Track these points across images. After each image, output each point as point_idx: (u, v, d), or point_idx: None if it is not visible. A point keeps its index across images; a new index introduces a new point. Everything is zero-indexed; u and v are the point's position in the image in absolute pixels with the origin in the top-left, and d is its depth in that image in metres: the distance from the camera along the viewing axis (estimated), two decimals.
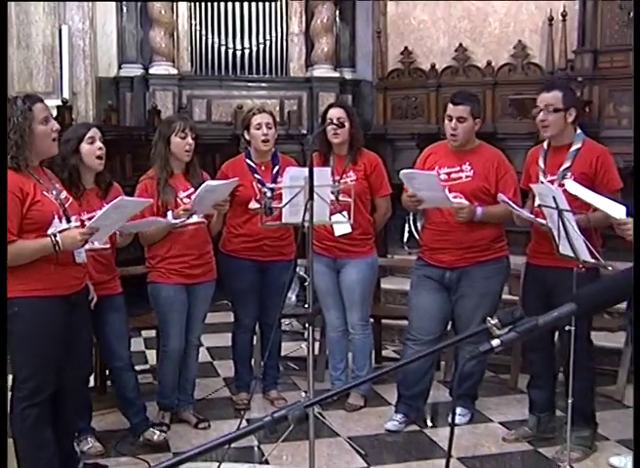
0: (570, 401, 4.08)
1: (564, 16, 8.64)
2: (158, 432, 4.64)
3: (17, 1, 9.62)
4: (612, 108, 8.15)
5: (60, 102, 8.03)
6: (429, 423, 5.06)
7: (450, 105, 4.90)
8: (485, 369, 5.31)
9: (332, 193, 4.63)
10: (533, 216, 4.52)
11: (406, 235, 8.04)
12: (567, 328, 4.09)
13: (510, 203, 4.39)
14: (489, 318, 1.55)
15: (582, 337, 4.38)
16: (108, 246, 4.45)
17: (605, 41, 8.45)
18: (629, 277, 1.66)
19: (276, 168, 5.20)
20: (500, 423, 5.16)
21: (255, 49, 10.44)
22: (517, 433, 4.91)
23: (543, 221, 4.38)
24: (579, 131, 4.64)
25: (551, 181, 4.49)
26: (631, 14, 8.22)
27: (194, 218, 4.69)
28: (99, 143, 4.34)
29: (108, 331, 4.52)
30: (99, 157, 4.34)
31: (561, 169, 4.54)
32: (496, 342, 1.52)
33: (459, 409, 5.15)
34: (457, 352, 5.26)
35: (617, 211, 3.97)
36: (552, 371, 4.82)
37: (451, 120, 4.84)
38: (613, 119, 8.08)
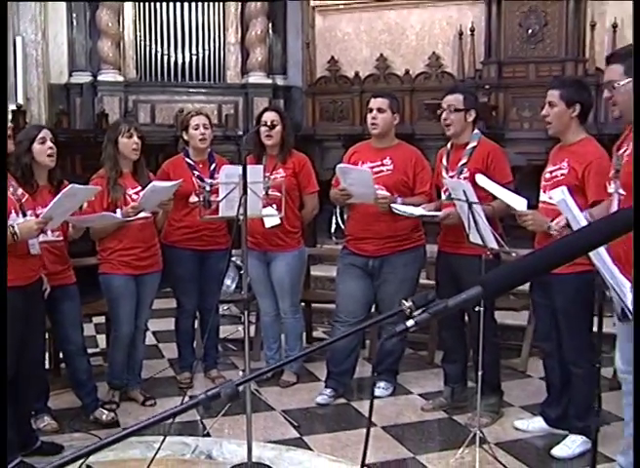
0: (479, 373, 4.12)
1: (472, 31, 8.75)
2: (107, 412, 4.61)
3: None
4: (515, 113, 8.27)
5: (14, 107, 7.88)
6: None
7: (371, 99, 4.94)
8: (405, 346, 5.36)
9: (263, 188, 4.62)
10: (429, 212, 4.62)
11: (333, 226, 8.05)
12: (477, 308, 4.13)
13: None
14: (404, 301, 1.54)
15: (488, 317, 4.43)
16: (61, 238, 4.40)
17: (508, 54, 8.58)
18: (530, 262, 1.68)
19: (213, 165, 5.19)
20: (419, 395, 5.21)
21: (195, 58, 10.37)
22: (434, 403, 4.96)
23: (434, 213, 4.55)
24: (476, 131, 4.71)
25: (452, 177, 4.54)
26: (530, 30, 8.37)
27: (141, 214, 4.65)
28: (49, 143, 4.27)
29: (63, 318, 4.47)
30: (49, 155, 4.26)
31: (459, 165, 4.60)
32: (410, 323, 1.52)
33: (382, 383, 5.20)
34: (380, 332, 5.29)
35: (519, 203, 4.02)
36: (463, 347, 4.88)
37: (371, 111, 4.87)
38: (516, 122, 8.20)
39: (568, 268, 3.77)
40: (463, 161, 4.61)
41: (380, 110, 4.85)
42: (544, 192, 4.14)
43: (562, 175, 4.07)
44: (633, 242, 1.51)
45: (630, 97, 3.39)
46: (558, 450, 4.24)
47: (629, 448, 3.78)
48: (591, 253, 2.65)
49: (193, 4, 10.28)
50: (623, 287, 2.70)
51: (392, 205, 4.68)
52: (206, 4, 10.31)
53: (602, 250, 2.68)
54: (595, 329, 3.72)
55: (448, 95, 4.72)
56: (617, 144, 3.59)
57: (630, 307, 2.68)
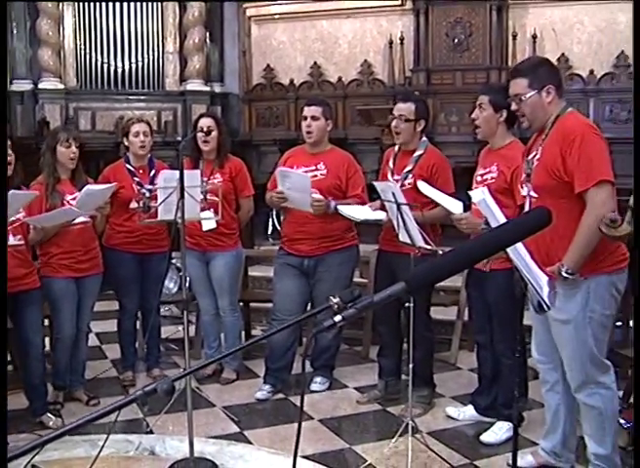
0: (411, 366, 4.17)
1: (402, 40, 8.85)
2: (54, 418, 4.53)
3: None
4: (443, 118, 8.38)
5: None
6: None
7: (305, 108, 4.95)
8: (340, 342, 5.39)
9: (201, 193, 4.61)
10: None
11: (270, 228, 8.06)
12: (407, 304, 4.19)
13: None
14: (331, 297, 1.56)
15: (422, 312, 4.50)
16: (23, 242, 4.32)
17: (435, 62, 8.69)
18: (450, 259, 1.72)
19: (152, 171, 5.15)
20: (355, 388, 5.25)
21: (134, 66, 10.26)
22: (369, 396, 5.01)
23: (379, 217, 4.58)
24: (424, 139, 4.75)
25: (397, 180, 4.58)
26: (456, 40, 8.50)
27: (80, 218, 4.60)
28: None
29: (25, 322, 4.38)
30: None
31: (404, 170, 4.64)
32: (338, 318, 1.54)
33: (318, 378, 5.23)
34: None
35: (455, 207, 4.08)
36: (399, 342, 4.93)
37: (306, 119, 4.89)
38: (444, 127, 8.31)
39: (500, 264, 3.88)
40: (409, 168, 4.64)
41: (314, 118, 4.87)
42: None
43: (492, 178, 4.15)
44: (634, 245, 1.55)
45: (535, 107, 3.50)
46: (487, 437, 4.32)
47: (551, 433, 3.90)
48: (509, 250, 2.72)
49: (132, 14, 10.19)
50: (540, 280, 2.78)
51: (338, 207, 4.71)
52: (145, 14, 10.22)
53: (520, 246, 2.74)
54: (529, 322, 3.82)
55: (400, 103, 4.72)
56: (525, 150, 3.69)
57: (547, 300, 2.75)
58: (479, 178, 4.24)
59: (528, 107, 3.51)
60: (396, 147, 4.78)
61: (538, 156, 3.48)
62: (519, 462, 3.88)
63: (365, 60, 9.23)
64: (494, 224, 3.00)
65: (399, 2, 9.09)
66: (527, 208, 3.55)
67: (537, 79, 3.48)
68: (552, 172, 3.38)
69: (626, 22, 8.51)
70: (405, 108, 4.64)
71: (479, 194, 3.32)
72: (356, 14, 9.39)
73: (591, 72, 8.38)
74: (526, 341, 4.40)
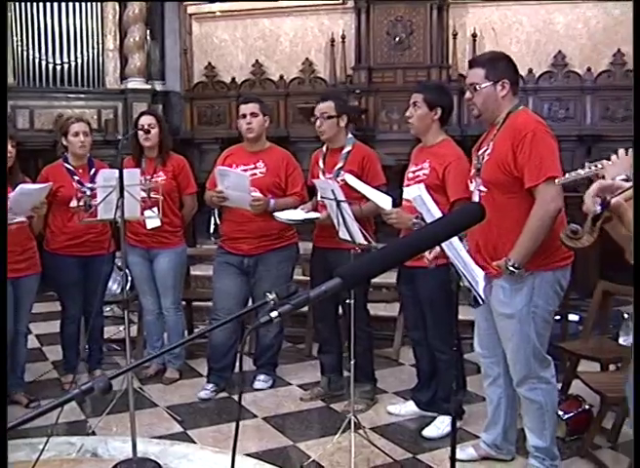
0: (352, 362, 4.21)
1: (343, 38, 8.88)
2: None
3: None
4: (384, 116, 8.43)
5: None
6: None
7: (242, 106, 4.97)
8: (283, 340, 5.42)
9: (143, 191, 4.59)
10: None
11: (212, 227, 8.03)
12: (347, 301, 4.23)
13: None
14: (267, 293, 1.58)
15: (360, 308, 4.54)
16: None
17: (377, 60, 8.73)
18: (385, 254, 1.74)
19: (93, 170, 5.09)
20: (298, 385, 5.29)
21: (73, 63, 10.08)
22: (312, 393, 5.05)
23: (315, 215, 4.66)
24: (350, 135, 4.82)
25: (329, 179, 4.62)
26: (397, 38, 8.56)
27: (17, 219, 4.52)
28: None
29: None
30: None
31: (335, 168, 4.69)
32: (274, 314, 1.55)
33: (262, 376, 5.26)
34: (257, 330, 5.31)
35: (384, 202, 4.13)
36: (338, 338, 4.97)
37: (245, 117, 4.90)
38: (386, 124, 8.36)
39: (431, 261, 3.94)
40: (340, 165, 4.70)
41: (253, 114, 4.90)
42: None
43: (424, 174, 4.21)
44: (633, 242, 1.58)
45: (488, 98, 3.57)
46: (428, 431, 4.39)
47: (492, 426, 3.98)
48: (444, 245, 2.77)
49: (71, 11, 10.02)
50: (476, 275, 2.83)
51: (275, 214, 4.73)
52: (84, 11, 10.07)
53: (455, 240, 2.79)
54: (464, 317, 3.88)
55: (320, 103, 4.80)
56: (477, 145, 3.76)
57: (482, 294, 2.81)
58: (411, 175, 4.31)
59: (481, 97, 3.59)
60: (324, 148, 4.84)
61: (488, 151, 3.55)
62: (461, 455, 3.98)
63: (307, 59, 9.23)
64: (429, 220, 3.05)
65: (340, 0, 9.11)
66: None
67: (493, 71, 3.56)
68: (503, 166, 3.45)
69: (563, 23, 8.68)
70: (325, 106, 4.72)
71: (415, 190, 3.37)
72: (298, 12, 9.39)
73: (530, 71, 8.51)
74: (461, 336, 4.49)
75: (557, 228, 3.31)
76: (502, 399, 3.88)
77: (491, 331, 3.76)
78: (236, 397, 5.05)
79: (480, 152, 3.64)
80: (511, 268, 3.39)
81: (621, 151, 2.37)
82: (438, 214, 3.03)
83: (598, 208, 1.62)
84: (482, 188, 3.57)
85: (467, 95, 3.69)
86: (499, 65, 3.60)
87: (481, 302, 2.89)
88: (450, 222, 1.85)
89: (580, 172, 2.39)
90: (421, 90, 4.34)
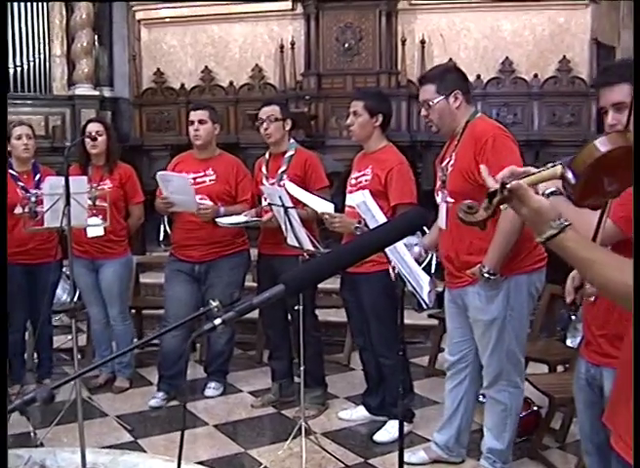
0: (302, 368, 4.23)
1: (292, 44, 8.89)
2: None
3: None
4: (334, 122, 8.45)
5: None
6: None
7: (191, 112, 4.98)
8: (234, 347, 5.41)
9: (89, 199, 4.56)
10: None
11: (162, 234, 7.99)
12: (296, 307, 4.25)
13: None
14: (211, 301, 1.59)
15: (308, 313, 4.57)
16: None
17: (326, 66, 8.77)
18: (328, 260, 1.77)
19: (37, 175, 5.05)
20: (249, 392, 5.30)
21: (19, 69, 9.94)
22: (263, 399, 5.06)
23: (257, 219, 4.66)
24: (292, 140, 4.85)
25: (272, 184, 4.65)
26: (346, 45, 8.63)
27: None
28: None
29: None
30: None
31: (279, 172, 4.72)
32: (218, 321, 1.56)
33: (212, 384, 5.25)
34: (209, 337, 5.31)
35: (325, 207, 4.17)
36: (288, 344, 4.99)
37: (193, 123, 4.91)
38: (335, 130, 8.37)
39: (374, 267, 3.98)
40: (283, 168, 4.73)
41: (201, 122, 4.90)
42: None
43: (366, 180, 4.26)
44: (634, 243, 1.62)
45: (443, 113, 3.63)
46: (379, 436, 4.43)
47: (446, 427, 4.03)
48: (388, 250, 2.80)
49: (16, 14, 9.89)
50: (421, 280, 2.87)
51: (217, 220, 4.74)
52: (30, 15, 9.94)
53: (400, 246, 2.83)
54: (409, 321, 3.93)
55: (265, 106, 4.83)
56: (439, 157, 3.81)
57: (426, 299, 2.85)
58: (353, 181, 4.36)
59: (436, 113, 3.64)
60: (267, 154, 4.87)
61: (452, 162, 3.60)
62: (412, 458, 4.04)
63: (256, 65, 9.22)
64: (373, 226, 3.08)
65: (290, 7, 9.14)
66: (443, 214, 3.67)
67: (444, 85, 3.62)
68: (467, 176, 3.49)
69: (510, 30, 8.83)
70: (270, 109, 4.77)
71: (359, 197, 3.41)
72: (247, 18, 9.39)
73: (478, 77, 8.63)
74: (407, 341, 4.54)
75: (528, 231, 3.37)
76: (462, 402, 3.94)
77: (465, 338, 3.82)
78: (188, 405, 5.03)
79: (443, 164, 3.69)
80: (486, 275, 3.45)
81: None
82: (383, 220, 3.06)
83: (496, 185, 1.68)
84: (449, 199, 3.62)
85: (423, 112, 3.75)
86: (448, 78, 3.66)
87: (425, 307, 2.93)
88: (394, 227, 1.88)
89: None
90: (361, 97, 4.38)
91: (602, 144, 1.62)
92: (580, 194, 1.67)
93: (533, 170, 1.73)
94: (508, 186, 1.68)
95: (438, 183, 3.73)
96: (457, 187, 3.55)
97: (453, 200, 3.58)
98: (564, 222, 1.66)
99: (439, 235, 3.77)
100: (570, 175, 1.63)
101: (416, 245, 3.68)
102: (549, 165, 1.75)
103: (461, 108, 3.63)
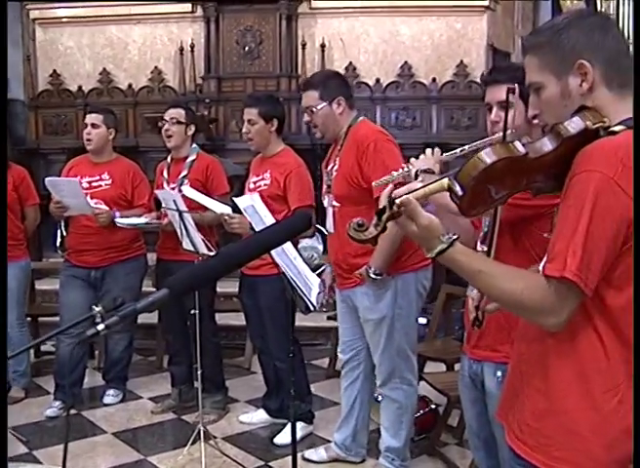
0: (200, 372, 4.23)
1: (192, 47, 8.86)
2: None
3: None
4: (234, 125, 8.44)
5: None
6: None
7: (87, 115, 4.93)
8: (132, 353, 5.36)
9: None
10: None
11: (58, 240, 7.82)
12: (192, 311, 4.25)
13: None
14: (94, 306, 1.60)
15: (207, 318, 4.59)
16: None
17: (226, 70, 8.78)
18: (212, 263, 1.80)
19: None
20: (149, 398, 5.26)
21: None
22: (163, 405, 5.04)
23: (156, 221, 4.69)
24: (194, 145, 4.85)
25: (173, 188, 4.64)
26: (246, 48, 8.65)
27: None
28: None
29: None
30: None
31: (179, 177, 4.71)
32: (101, 326, 1.57)
33: (111, 391, 5.20)
34: (107, 341, 5.26)
35: (223, 209, 4.20)
36: (187, 349, 4.97)
37: (86, 127, 4.85)
38: (236, 134, 8.34)
39: (272, 269, 4.01)
40: (184, 173, 4.72)
41: (94, 126, 4.86)
42: None
43: (265, 184, 4.30)
44: (633, 245, 1.66)
45: (327, 119, 3.70)
46: (280, 438, 4.47)
47: (344, 426, 4.11)
48: (274, 253, 2.85)
49: None
50: (310, 283, 2.93)
51: (116, 220, 4.70)
52: None
53: (288, 248, 2.88)
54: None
55: (171, 108, 4.82)
56: (325, 162, 3.88)
57: (313, 301, 2.91)
58: (252, 186, 4.39)
59: (319, 118, 3.71)
60: (168, 158, 4.87)
61: (336, 167, 3.67)
62: (312, 456, 4.13)
63: (156, 67, 9.14)
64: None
65: (190, 9, 9.10)
66: (330, 217, 3.74)
67: (327, 91, 3.69)
68: (351, 180, 3.57)
69: (409, 34, 9.01)
70: (175, 112, 4.76)
71: (247, 200, 3.45)
72: (146, 20, 9.28)
73: (377, 81, 8.77)
74: (303, 343, 4.60)
75: None
76: (357, 401, 4.02)
77: (356, 337, 3.88)
78: (86, 413, 4.97)
79: (328, 168, 3.76)
80: (373, 275, 3.52)
81: (429, 150, 2.64)
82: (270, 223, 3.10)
83: (385, 202, 1.72)
84: (335, 203, 3.69)
85: (306, 118, 3.82)
86: (331, 84, 3.75)
87: (312, 309, 2.98)
88: (279, 230, 1.93)
89: (394, 173, 2.55)
90: (254, 104, 4.40)
91: (487, 156, 1.67)
92: (467, 205, 1.71)
93: (419, 184, 1.77)
94: (397, 201, 1.71)
95: (324, 187, 3.81)
96: (341, 191, 3.64)
97: (338, 204, 3.66)
98: (452, 236, 1.71)
99: (327, 239, 3.84)
100: (457, 187, 1.67)
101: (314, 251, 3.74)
102: (434, 177, 1.81)
103: (344, 114, 3.72)
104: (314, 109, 3.70)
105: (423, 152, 2.66)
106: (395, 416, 3.85)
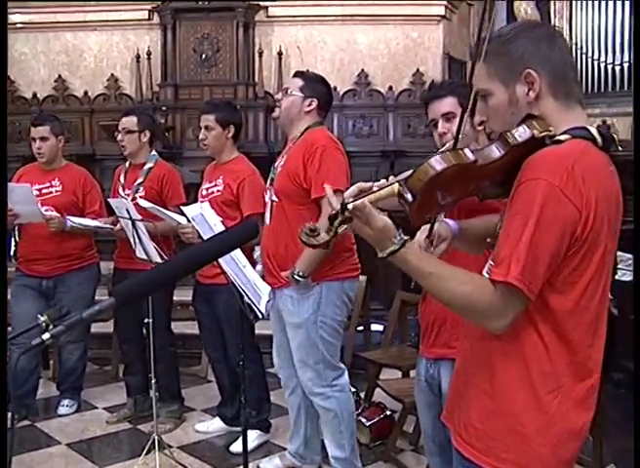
0: (153, 381, 4.21)
1: (149, 55, 8.86)
2: None
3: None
4: (191, 133, 8.45)
5: None
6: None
7: (32, 129, 4.89)
8: (87, 363, 5.31)
9: None
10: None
11: (12, 248, 7.74)
12: (146, 320, 4.23)
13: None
14: (39, 315, 1.59)
15: (162, 328, 4.56)
16: None
17: (184, 77, 8.79)
18: (158, 272, 1.80)
19: None
20: (105, 408, 5.20)
21: None
22: (118, 415, 4.99)
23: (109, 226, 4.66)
24: (154, 152, 4.84)
25: (128, 195, 4.63)
26: (203, 56, 8.65)
27: None
28: None
29: None
30: None
31: (135, 184, 4.70)
32: (46, 336, 1.56)
33: (65, 401, 5.13)
34: (60, 351, 5.21)
35: (179, 218, 4.19)
36: (143, 358, 4.94)
37: (35, 141, 4.81)
38: (193, 142, 8.34)
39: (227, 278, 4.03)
40: (140, 180, 4.71)
41: (42, 139, 4.81)
42: None
43: (218, 191, 4.31)
44: (633, 246, 1.68)
45: (293, 106, 3.74)
46: (236, 446, 4.45)
47: (295, 435, 4.11)
48: (222, 260, 2.86)
49: None
50: (260, 290, 2.94)
51: (67, 218, 4.66)
52: None
53: (238, 256, 2.89)
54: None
55: (123, 117, 4.80)
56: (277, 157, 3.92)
57: (262, 308, 2.92)
58: (205, 192, 4.40)
59: (287, 102, 3.75)
60: (127, 163, 4.85)
61: (282, 163, 3.71)
62: (267, 465, 4.11)
63: (112, 75, 9.12)
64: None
65: (146, 16, 9.09)
66: (268, 212, 3.76)
67: (310, 88, 3.75)
68: (293, 177, 3.61)
69: (366, 43, 9.10)
70: (127, 121, 4.74)
71: (195, 209, 3.46)
72: (102, 27, 9.26)
73: (334, 89, 8.82)
74: (261, 351, 4.60)
75: (342, 239, 3.49)
76: (302, 408, 4.02)
77: (286, 343, 3.88)
78: (40, 424, 4.91)
79: (275, 164, 3.80)
80: (297, 277, 3.54)
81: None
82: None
83: (338, 207, 1.73)
84: (274, 198, 3.72)
85: (278, 96, 3.86)
86: (317, 87, 3.81)
87: (260, 316, 3.00)
88: (225, 238, 1.94)
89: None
90: (211, 110, 4.43)
91: (437, 163, 1.69)
92: (416, 210, 1.73)
93: (374, 187, 1.78)
94: (350, 206, 1.71)
95: (268, 182, 3.84)
96: (282, 187, 3.68)
97: (277, 199, 3.70)
98: (404, 237, 1.74)
99: (262, 231, 3.82)
100: (408, 194, 1.69)
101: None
102: (383, 181, 1.83)
103: (310, 114, 3.76)
104: (289, 91, 3.75)
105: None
106: (333, 426, 3.82)
